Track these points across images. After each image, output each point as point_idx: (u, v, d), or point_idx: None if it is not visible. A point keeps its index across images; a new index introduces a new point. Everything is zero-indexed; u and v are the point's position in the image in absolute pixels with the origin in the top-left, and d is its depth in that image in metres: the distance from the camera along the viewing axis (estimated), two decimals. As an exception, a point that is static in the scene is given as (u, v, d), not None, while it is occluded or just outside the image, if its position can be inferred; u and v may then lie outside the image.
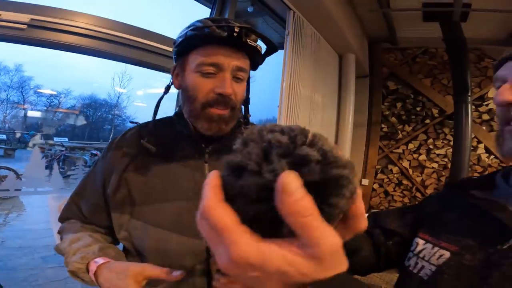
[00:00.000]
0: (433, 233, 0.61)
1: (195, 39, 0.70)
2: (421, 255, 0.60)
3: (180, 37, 0.72)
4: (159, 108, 0.82)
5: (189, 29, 0.71)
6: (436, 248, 0.58)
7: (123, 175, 0.76)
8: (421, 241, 0.62)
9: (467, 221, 0.58)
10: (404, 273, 0.63)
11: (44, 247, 3.24)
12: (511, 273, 0.46)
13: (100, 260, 0.67)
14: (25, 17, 1.07)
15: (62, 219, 0.85)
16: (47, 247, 3.24)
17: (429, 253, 0.58)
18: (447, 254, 0.55)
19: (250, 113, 0.86)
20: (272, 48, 0.77)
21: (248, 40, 0.69)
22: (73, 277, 0.71)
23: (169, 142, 0.79)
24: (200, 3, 2.06)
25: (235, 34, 0.67)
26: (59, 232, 0.83)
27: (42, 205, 4.73)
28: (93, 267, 0.67)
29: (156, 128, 0.81)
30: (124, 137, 0.82)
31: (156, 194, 0.74)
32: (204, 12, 2.00)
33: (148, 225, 0.73)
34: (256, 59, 0.78)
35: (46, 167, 1.62)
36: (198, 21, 0.73)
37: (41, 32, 1.14)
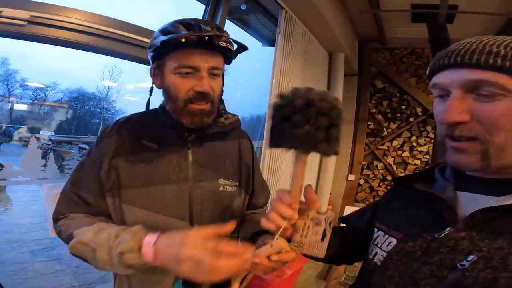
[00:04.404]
0: (384, 221, 0.68)
1: (171, 45, 0.74)
2: (375, 242, 0.66)
3: (155, 43, 0.76)
4: (152, 101, 0.88)
5: (163, 34, 0.76)
6: (386, 236, 0.63)
7: (112, 161, 0.80)
8: (375, 230, 0.69)
9: (411, 211, 0.63)
10: (364, 260, 0.69)
11: (33, 241, 3.22)
12: (449, 259, 0.50)
13: (152, 236, 0.65)
14: (25, 14, 1.10)
15: (60, 213, 0.82)
16: (36, 241, 3.22)
17: (381, 240, 0.64)
18: (394, 241, 0.61)
19: (232, 108, 0.96)
20: (242, 48, 0.84)
21: (219, 42, 0.75)
22: (116, 265, 0.65)
23: (155, 131, 0.85)
24: (195, -1, 2.08)
25: (206, 38, 0.73)
26: (60, 230, 0.79)
27: (29, 199, 4.67)
28: (150, 239, 0.64)
29: (143, 119, 0.88)
30: (114, 126, 0.86)
31: (143, 178, 0.80)
32: (197, 8, 2.01)
33: (136, 207, 0.79)
34: (229, 56, 0.83)
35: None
36: (170, 25, 0.77)
37: (40, 28, 1.17)
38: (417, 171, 0.73)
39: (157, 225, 0.75)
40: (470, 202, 0.55)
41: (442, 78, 0.53)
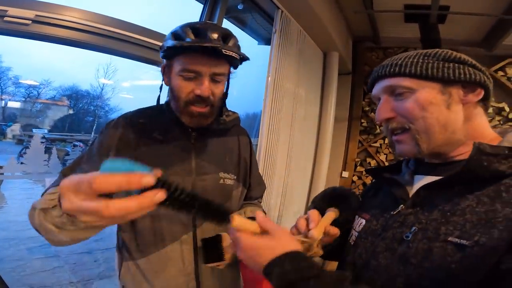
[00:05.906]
0: (360, 207, 0.77)
1: (179, 49, 0.79)
2: (353, 225, 0.74)
3: (166, 45, 0.81)
4: (148, 99, 0.96)
5: (173, 37, 0.81)
6: (359, 218, 0.72)
7: (119, 153, 0.85)
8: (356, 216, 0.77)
9: (379, 195, 0.73)
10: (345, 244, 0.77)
11: (29, 239, 3.22)
12: (398, 233, 0.58)
13: None
14: (30, 13, 1.13)
15: (45, 191, 0.82)
16: (33, 239, 3.22)
17: (356, 223, 0.73)
18: (363, 222, 0.70)
19: (228, 106, 1.01)
20: (244, 59, 0.86)
21: (223, 51, 0.77)
22: (41, 226, 0.64)
23: (160, 126, 0.90)
24: (193, -2, 2.10)
25: (209, 48, 0.76)
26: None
27: (23, 197, 4.65)
28: None
29: (149, 114, 0.93)
30: (120, 120, 0.91)
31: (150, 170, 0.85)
32: (196, 7, 2.04)
33: None
34: (234, 62, 0.88)
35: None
36: (181, 29, 0.81)
37: (44, 28, 1.19)
38: (387, 164, 0.83)
39: (162, 215, 0.80)
40: (421, 182, 0.63)
41: (374, 90, 0.69)
